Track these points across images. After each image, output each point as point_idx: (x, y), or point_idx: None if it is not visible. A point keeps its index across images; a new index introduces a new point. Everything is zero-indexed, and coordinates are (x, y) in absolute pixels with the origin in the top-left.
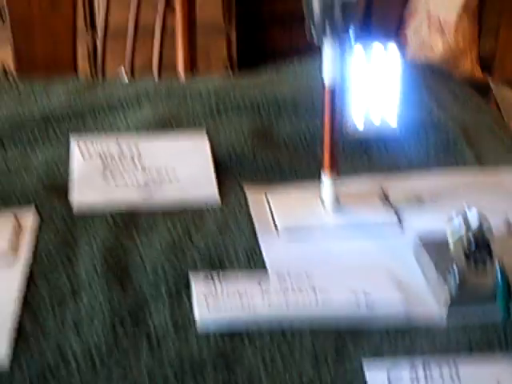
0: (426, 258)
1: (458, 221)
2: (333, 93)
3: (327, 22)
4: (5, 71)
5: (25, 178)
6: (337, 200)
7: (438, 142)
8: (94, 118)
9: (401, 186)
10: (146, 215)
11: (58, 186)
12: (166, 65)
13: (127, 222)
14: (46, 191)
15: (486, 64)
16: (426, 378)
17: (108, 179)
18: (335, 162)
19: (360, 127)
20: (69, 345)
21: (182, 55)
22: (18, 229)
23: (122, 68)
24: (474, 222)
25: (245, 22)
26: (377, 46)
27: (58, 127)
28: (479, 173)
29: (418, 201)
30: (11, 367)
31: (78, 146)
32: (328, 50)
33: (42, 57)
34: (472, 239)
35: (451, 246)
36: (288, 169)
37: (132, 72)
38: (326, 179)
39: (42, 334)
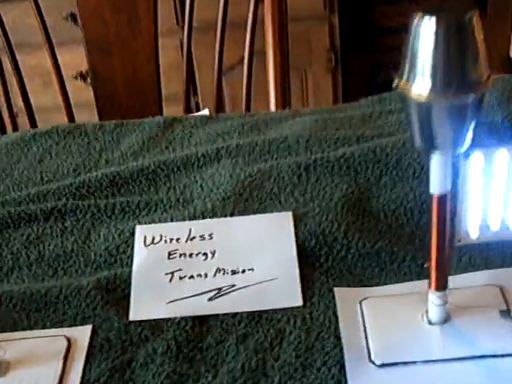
0: None
1: None
2: (442, 201)
3: (435, 131)
4: (82, 75)
5: (82, 278)
6: (446, 317)
7: None
8: (167, 180)
9: None
10: (214, 331)
11: (116, 285)
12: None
13: (191, 343)
14: (102, 296)
15: None
16: None
17: (174, 280)
18: (444, 279)
19: (475, 233)
20: None
21: (272, 51)
22: (69, 351)
23: (207, 109)
24: None
25: (348, 1)
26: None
27: (125, 197)
28: None
29: None
30: None
31: (143, 234)
32: (437, 162)
33: (120, 75)
34: None
35: None
36: (388, 258)
37: (219, 85)
38: (434, 297)
39: None
